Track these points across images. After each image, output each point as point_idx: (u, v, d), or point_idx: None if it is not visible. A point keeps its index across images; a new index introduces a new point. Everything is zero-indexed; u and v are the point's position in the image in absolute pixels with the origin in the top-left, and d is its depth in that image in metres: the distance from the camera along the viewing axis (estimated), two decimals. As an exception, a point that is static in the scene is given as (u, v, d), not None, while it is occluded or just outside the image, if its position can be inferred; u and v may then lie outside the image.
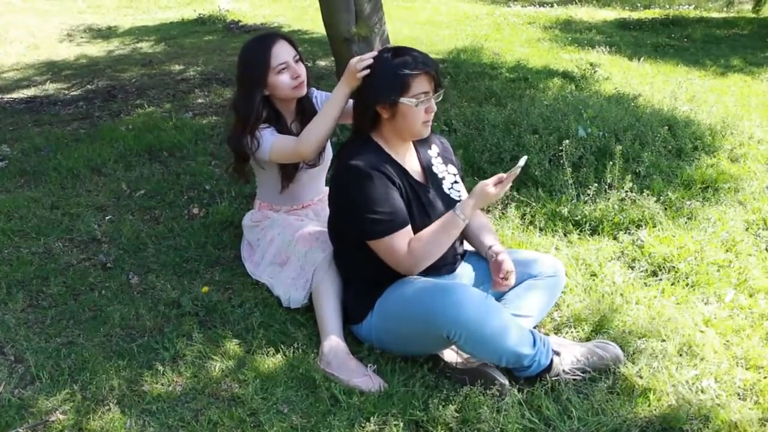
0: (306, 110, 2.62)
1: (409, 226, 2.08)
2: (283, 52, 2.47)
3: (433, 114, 2.13)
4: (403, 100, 2.05)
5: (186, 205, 3.34)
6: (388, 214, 2.04)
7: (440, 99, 2.15)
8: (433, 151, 2.33)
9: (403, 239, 2.06)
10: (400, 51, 2.10)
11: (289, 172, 2.57)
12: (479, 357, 2.03)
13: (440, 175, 2.28)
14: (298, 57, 2.51)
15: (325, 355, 2.14)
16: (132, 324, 2.38)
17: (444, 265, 2.20)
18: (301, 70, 2.50)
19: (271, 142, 2.45)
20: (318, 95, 2.72)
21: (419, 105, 2.07)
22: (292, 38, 2.56)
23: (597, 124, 3.76)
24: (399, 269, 2.10)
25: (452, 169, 2.33)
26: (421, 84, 2.05)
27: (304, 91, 2.54)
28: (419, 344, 2.11)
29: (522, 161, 2.04)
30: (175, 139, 4.15)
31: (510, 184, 2.08)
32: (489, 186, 2.06)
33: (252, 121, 2.46)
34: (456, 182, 2.31)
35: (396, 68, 2.05)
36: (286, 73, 2.47)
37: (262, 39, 2.51)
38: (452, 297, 1.94)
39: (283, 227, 2.59)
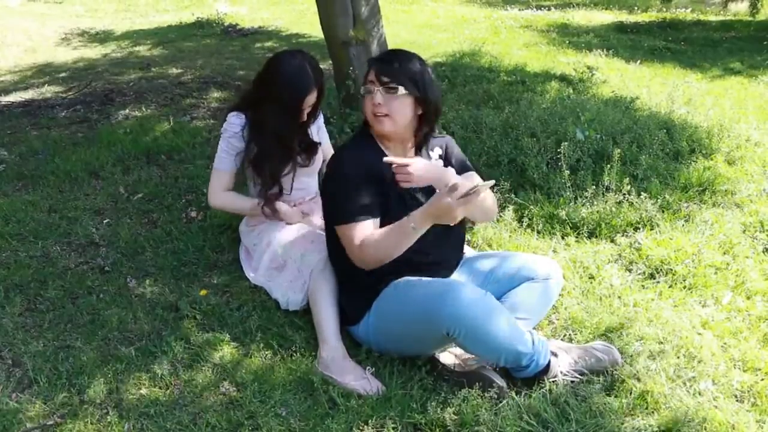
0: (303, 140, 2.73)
1: (372, 221, 2.08)
2: (309, 102, 2.57)
3: (381, 110, 2.10)
4: (362, 88, 2.17)
5: (184, 208, 3.33)
6: (354, 202, 2.07)
7: (396, 95, 2.08)
8: (435, 153, 2.32)
9: (359, 231, 2.06)
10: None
11: (265, 180, 2.61)
12: (479, 354, 2.03)
13: None
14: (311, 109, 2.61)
15: (323, 358, 2.14)
16: (130, 327, 2.38)
17: (442, 268, 2.20)
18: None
19: (217, 158, 2.72)
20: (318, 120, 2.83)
21: (365, 94, 2.14)
22: (324, 86, 2.61)
23: (594, 127, 3.77)
24: (352, 259, 2.11)
25: (450, 170, 2.32)
26: (369, 74, 2.15)
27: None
28: (418, 343, 2.11)
29: (489, 183, 1.89)
30: (173, 143, 4.15)
31: (471, 202, 1.89)
32: (443, 193, 1.92)
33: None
34: None
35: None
36: None
37: (304, 78, 2.52)
38: (452, 293, 1.94)
39: (278, 231, 2.59)
